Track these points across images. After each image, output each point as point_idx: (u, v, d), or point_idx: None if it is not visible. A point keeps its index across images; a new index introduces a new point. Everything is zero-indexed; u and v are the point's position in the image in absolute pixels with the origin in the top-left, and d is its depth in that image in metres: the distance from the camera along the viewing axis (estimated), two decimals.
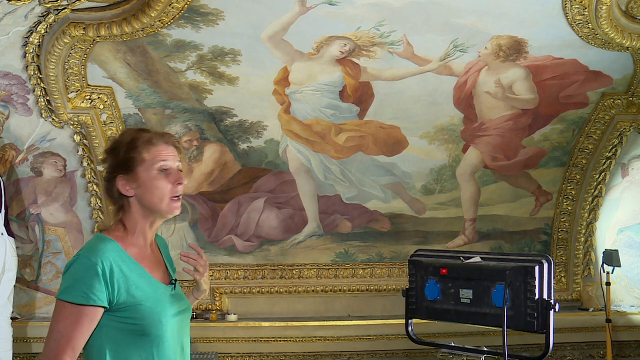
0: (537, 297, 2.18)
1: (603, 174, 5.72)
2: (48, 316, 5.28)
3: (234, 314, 5.63)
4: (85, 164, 5.21)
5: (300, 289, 5.81)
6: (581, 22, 4.45)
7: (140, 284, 1.96)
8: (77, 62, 4.64)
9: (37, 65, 4.56)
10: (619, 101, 5.29)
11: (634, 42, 4.64)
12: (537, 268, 2.18)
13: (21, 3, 4.08)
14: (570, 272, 6.00)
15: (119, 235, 2.01)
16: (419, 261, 2.44)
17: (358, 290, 5.86)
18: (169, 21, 4.33)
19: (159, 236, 2.20)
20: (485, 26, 4.58)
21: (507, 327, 2.18)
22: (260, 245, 5.75)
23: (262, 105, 5.14)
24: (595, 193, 5.81)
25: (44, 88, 4.70)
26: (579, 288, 5.99)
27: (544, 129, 5.47)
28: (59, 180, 5.30)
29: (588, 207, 5.85)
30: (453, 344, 2.45)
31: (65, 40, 4.38)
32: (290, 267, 5.81)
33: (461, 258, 2.34)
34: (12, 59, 4.53)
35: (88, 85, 4.89)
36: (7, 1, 4.04)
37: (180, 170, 2.07)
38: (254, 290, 5.77)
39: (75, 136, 5.09)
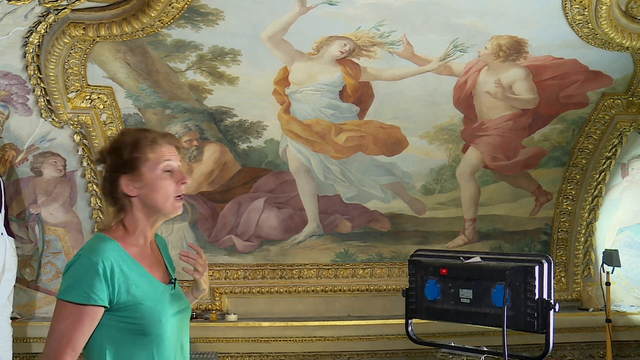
0: (537, 297, 2.18)
1: (603, 174, 5.72)
2: (48, 316, 5.28)
3: (234, 314, 5.63)
4: (85, 164, 5.21)
5: (300, 289, 5.81)
6: (581, 22, 4.45)
7: (141, 283, 1.96)
8: (77, 62, 4.64)
9: (37, 65, 4.56)
10: (619, 101, 5.29)
11: (634, 42, 4.64)
12: (537, 268, 2.19)
13: (21, 3, 4.08)
14: (570, 272, 6.00)
15: (119, 235, 2.01)
16: (419, 261, 2.44)
17: (358, 290, 5.86)
18: (169, 21, 4.33)
19: (159, 236, 2.20)
20: (485, 26, 4.58)
21: (507, 327, 2.18)
22: (260, 245, 5.75)
23: (262, 105, 5.14)
24: (595, 193, 5.81)
25: (44, 88, 4.70)
26: (579, 288, 5.99)
27: (544, 129, 5.47)
28: (59, 180, 5.30)
29: (588, 207, 5.85)
30: (453, 344, 2.45)
31: (65, 40, 4.38)
32: (290, 267, 5.81)
33: (461, 258, 2.35)
34: (12, 59, 4.53)
35: (88, 85, 4.89)
36: (7, 1, 4.04)
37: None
38: (254, 290, 5.77)
39: (75, 136, 5.10)
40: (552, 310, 2.17)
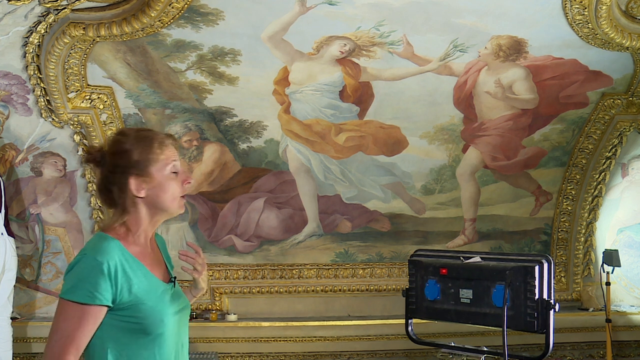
0: (537, 297, 2.18)
1: (603, 174, 5.72)
2: (48, 316, 5.29)
3: (234, 314, 5.63)
4: (85, 164, 5.21)
5: (300, 289, 5.81)
6: (581, 22, 4.45)
7: (143, 282, 1.97)
8: (77, 62, 4.64)
9: (37, 65, 4.56)
10: (619, 101, 5.29)
11: (634, 42, 4.64)
12: (537, 268, 2.19)
13: (21, 3, 4.08)
14: (570, 272, 6.00)
15: (121, 235, 2.00)
16: (419, 261, 2.44)
17: (358, 290, 5.86)
18: (169, 21, 4.33)
19: (158, 235, 2.21)
20: (485, 26, 4.58)
21: (507, 327, 2.18)
22: (260, 245, 5.75)
23: (262, 105, 5.14)
24: (595, 193, 5.81)
25: (44, 88, 4.70)
26: (579, 288, 5.99)
27: (544, 129, 5.47)
28: (59, 180, 5.30)
29: (588, 207, 5.85)
30: (453, 344, 2.45)
31: (65, 40, 4.38)
32: (290, 267, 5.81)
33: (461, 258, 2.35)
34: (12, 59, 4.53)
35: (88, 85, 4.89)
36: (7, 1, 4.04)
37: None
38: (254, 290, 5.77)
39: (75, 136, 5.10)
40: (552, 310, 2.17)
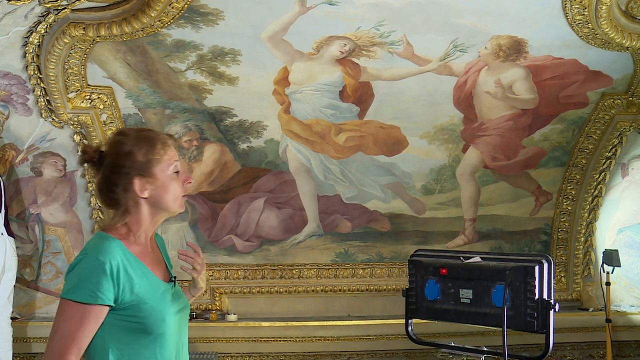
0: (537, 297, 2.18)
1: (603, 174, 5.72)
2: (48, 316, 5.29)
3: (234, 314, 5.63)
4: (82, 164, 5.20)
5: (300, 289, 5.81)
6: (581, 22, 4.45)
7: (144, 282, 1.97)
8: (77, 62, 4.64)
9: (37, 65, 4.56)
10: (619, 101, 5.29)
11: (634, 42, 4.64)
12: (537, 268, 2.19)
13: (21, 3, 4.08)
14: (570, 272, 6.00)
15: (122, 234, 2.00)
16: (419, 261, 2.44)
17: (358, 290, 5.86)
18: (169, 21, 4.33)
19: (157, 234, 2.21)
20: (485, 26, 4.58)
21: (507, 327, 2.18)
22: (260, 245, 5.75)
23: (262, 105, 5.14)
24: (595, 193, 5.81)
25: (44, 88, 4.70)
26: (579, 288, 5.99)
27: (544, 129, 5.47)
28: (59, 180, 5.30)
29: (588, 207, 5.85)
30: (453, 344, 2.45)
31: (65, 40, 4.38)
32: (290, 267, 5.81)
33: (461, 258, 2.35)
34: (12, 59, 4.53)
35: (88, 85, 4.89)
36: (7, 1, 4.04)
37: None
38: (254, 290, 5.77)
39: (75, 136, 5.10)
40: (552, 310, 2.17)
